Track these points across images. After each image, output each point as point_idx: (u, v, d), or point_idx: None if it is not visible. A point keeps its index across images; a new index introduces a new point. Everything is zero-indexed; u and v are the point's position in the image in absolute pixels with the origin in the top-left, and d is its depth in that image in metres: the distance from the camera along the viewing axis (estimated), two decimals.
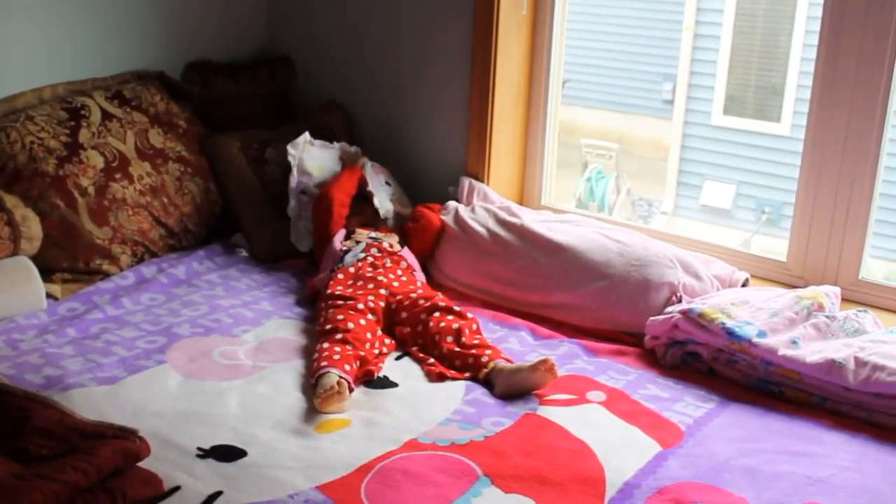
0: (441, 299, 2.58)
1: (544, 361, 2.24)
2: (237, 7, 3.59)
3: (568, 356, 2.47)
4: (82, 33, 3.09)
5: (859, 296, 2.67)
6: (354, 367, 2.28)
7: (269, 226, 3.14)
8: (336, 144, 3.28)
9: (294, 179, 3.11)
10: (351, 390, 2.20)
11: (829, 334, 2.37)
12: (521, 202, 3.28)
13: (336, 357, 2.27)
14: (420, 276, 2.86)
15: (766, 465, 1.96)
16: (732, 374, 2.37)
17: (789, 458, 1.99)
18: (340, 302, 2.54)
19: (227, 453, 1.95)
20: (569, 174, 6.43)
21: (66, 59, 3.06)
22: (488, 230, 2.94)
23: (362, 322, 2.45)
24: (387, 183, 3.24)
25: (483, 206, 3.06)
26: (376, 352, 2.42)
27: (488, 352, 2.37)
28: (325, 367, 2.23)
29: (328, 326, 2.43)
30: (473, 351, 2.37)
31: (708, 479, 1.91)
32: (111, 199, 2.90)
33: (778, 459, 1.99)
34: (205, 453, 1.93)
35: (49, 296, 2.67)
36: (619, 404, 2.21)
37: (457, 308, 2.55)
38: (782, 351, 2.26)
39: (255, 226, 3.15)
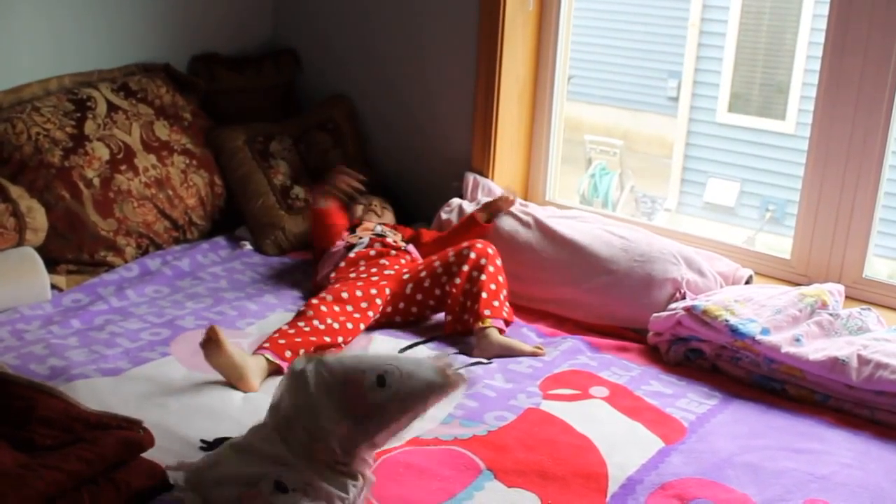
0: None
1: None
2: (243, 0, 3.59)
3: (571, 351, 2.47)
4: (88, 25, 3.09)
5: (863, 294, 2.66)
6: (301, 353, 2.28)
7: (274, 219, 3.15)
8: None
9: None
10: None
11: (833, 332, 2.37)
12: (525, 198, 3.27)
13: (281, 342, 2.31)
14: None
15: (769, 462, 1.97)
16: (735, 371, 2.37)
17: (792, 455, 2.00)
18: (324, 293, 2.55)
19: None
20: (572, 170, 6.40)
21: (72, 50, 3.06)
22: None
23: (336, 309, 2.47)
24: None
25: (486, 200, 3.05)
26: (340, 339, 2.41)
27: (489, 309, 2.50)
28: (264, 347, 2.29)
29: (299, 311, 2.49)
30: (482, 297, 2.51)
31: (710, 475, 1.91)
32: (116, 191, 2.90)
33: (780, 456, 1.99)
34: (208, 445, 1.93)
35: (54, 287, 2.68)
36: (622, 400, 2.22)
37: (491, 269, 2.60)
38: (785, 348, 2.26)
39: (260, 219, 3.16)
